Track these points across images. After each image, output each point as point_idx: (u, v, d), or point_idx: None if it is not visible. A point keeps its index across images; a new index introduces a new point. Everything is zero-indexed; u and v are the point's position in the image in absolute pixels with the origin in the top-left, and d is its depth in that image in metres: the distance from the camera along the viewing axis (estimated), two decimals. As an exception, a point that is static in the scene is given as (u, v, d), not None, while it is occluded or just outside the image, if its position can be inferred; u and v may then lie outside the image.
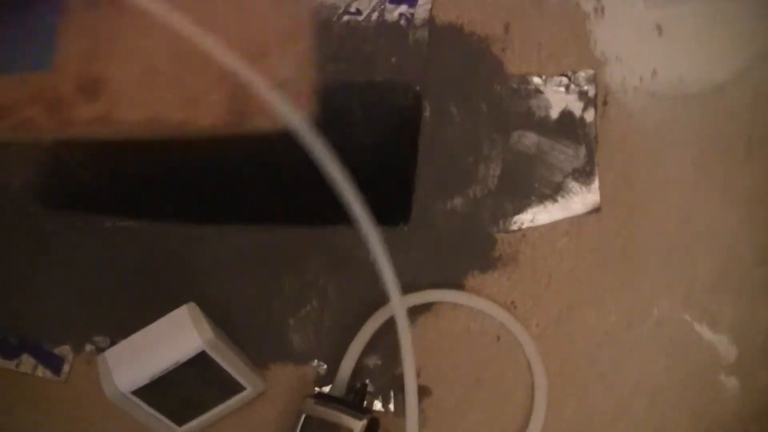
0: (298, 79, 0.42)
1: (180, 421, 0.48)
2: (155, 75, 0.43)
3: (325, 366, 0.50)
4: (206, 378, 0.46)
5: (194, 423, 0.49)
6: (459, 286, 0.50)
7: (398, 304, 0.42)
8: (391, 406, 0.49)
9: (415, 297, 0.49)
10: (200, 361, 0.44)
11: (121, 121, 0.43)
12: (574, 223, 0.50)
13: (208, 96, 0.42)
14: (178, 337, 0.44)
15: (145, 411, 0.46)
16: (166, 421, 0.47)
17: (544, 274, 0.49)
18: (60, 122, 0.43)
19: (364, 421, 0.45)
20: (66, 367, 0.53)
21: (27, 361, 0.54)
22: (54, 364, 0.54)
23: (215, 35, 0.38)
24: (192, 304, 0.45)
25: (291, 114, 0.37)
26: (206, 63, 0.39)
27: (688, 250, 0.48)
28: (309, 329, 0.51)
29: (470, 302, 0.49)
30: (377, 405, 0.49)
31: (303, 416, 0.46)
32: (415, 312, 0.50)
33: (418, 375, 0.49)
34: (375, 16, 0.56)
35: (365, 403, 0.48)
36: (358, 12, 0.56)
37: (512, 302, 0.49)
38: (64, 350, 0.54)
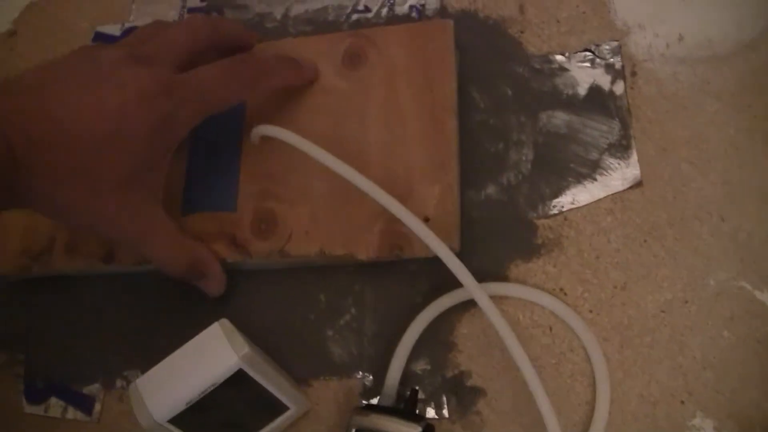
0: (441, 216, 0.45)
1: (222, 449, 0.46)
2: (320, 215, 0.47)
3: (371, 377, 0.47)
4: (246, 399, 0.44)
5: (237, 450, 0.46)
6: (502, 278, 0.47)
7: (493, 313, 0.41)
8: (445, 412, 0.46)
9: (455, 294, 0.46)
10: (238, 380, 0.41)
11: (293, 255, 0.47)
12: (616, 200, 0.47)
13: (364, 233, 0.46)
14: (212, 356, 0.41)
15: (185, 441, 0.43)
16: (208, 450, 0.45)
17: (592, 256, 0.47)
18: (240, 255, 0.48)
19: (420, 430, 0.42)
20: (97, 406, 0.51)
21: (56, 405, 0.51)
22: (84, 404, 0.51)
23: (368, 176, 0.43)
24: (224, 321, 0.42)
25: (438, 246, 0.41)
26: (362, 203, 0.45)
27: (738, 214, 0.46)
28: (350, 339, 0.48)
29: (519, 293, 0.46)
30: (430, 412, 0.46)
31: (353, 431, 0.43)
32: (458, 310, 0.47)
33: (470, 377, 0.46)
34: (385, 11, 0.54)
35: (417, 410, 0.45)
36: (367, 9, 0.54)
37: (561, 289, 0.46)
38: (94, 389, 0.51)
